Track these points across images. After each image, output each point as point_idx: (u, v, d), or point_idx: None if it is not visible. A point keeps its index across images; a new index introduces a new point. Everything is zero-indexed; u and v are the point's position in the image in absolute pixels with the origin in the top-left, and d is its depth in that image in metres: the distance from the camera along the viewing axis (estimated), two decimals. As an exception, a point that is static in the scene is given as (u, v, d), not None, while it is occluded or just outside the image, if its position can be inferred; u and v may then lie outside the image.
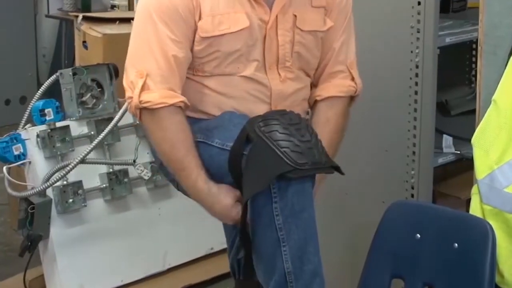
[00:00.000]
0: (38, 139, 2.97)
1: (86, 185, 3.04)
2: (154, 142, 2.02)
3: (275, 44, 2.03)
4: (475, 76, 3.10)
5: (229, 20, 1.98)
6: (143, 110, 1.97)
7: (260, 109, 2.03)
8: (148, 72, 1.95)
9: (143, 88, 1.95)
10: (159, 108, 1.95)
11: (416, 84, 2.53)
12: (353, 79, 2.16)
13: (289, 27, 2.03)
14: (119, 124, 3.03)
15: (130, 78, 1.97)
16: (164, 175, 2.17)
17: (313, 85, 2.18)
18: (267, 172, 1.85)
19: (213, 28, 1.97)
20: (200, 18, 1.97)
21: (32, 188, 2.91)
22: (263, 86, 2.04)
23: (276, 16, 2.01)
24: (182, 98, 1.97)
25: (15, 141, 2.94)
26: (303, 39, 2.05)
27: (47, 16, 4.92)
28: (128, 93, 1.99)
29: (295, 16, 2.03)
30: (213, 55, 2.00)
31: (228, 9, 1.98)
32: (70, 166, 2.89)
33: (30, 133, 2.98)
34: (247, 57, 2.01)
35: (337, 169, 1.95)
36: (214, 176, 2.00)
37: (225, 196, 1.96)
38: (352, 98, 2.19)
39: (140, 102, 1.95)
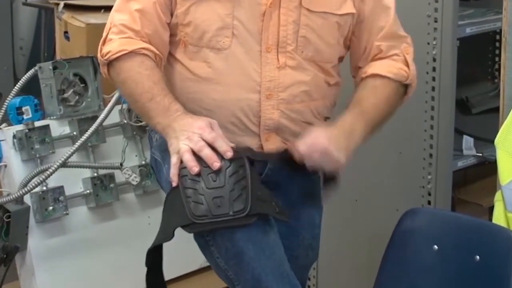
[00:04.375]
0: (15, 140, 2.97)
1: (68, 191, 3.04)
2: (120, 89, 2.08)
3: (276, 23, 2.00)
4: (499, 70, 3.10)
5: None
6: (109, 67, 2.03)
7: (250, 99, 2.02)
8: (112, 23, 2.04)
9: (104, 41, 2.04)
10: (119, 57, 2.00)
11: (434, 79, 2.54)
12: (407, 64, 2.10)
13: (293, 6, 2.01)
14: (104, 124, 3.03)
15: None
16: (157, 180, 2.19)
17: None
18: (170, 222, 1.89)
19: None
20: None
21: (8, 195, 2.91)
22: (253, 70, 2.01)
23: None
24: (146, 45, 2.00)
25: (-11, 142, 2.95)
26: (311, 22, 2.02)
27: (25, 3, 4.92)
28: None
29: None
30: (193, 24, 2.01)
31: None
32: (50, 170, 2.89)
33: (5, 134, 2.98)
34: (234, 30, 2.00)
35: (276, 212, 1.91)
36: None
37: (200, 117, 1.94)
38: (405, 90, 2.12)
39: (101, 56, 2.03)
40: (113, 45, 2.01)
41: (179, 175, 1.86)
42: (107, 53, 2.01)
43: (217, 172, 1.85)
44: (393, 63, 2.10)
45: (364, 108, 2.03)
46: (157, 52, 2.02)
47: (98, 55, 2.05)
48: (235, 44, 2.00)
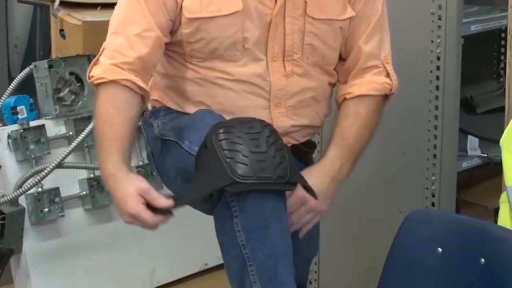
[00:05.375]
0: (10, 140, 2.97)
1: (64, 192, 3.04)
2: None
3: (282, 32, 2.03)
4: (504, 69, 3.10)
5: (220, 1, 1.99)
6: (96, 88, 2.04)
7: (259, 105, 2.06)
8: (106, 46, 2.03)
9: (95, 62, 2.03)
10: (100, 84, 2.00)
11: (437, 78, 2.54)
12: (388, 75, 2.15)
13: (298, 14, 2.03)
14: (101, 124, 3.03)
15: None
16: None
17: (342, 82, 2.18)
18: (209, 183, 1.89)
19: (200, 9, 2.00)
20: None
21: (3, 196, 2.91)
22: (261, 79, 2.05)
23: (285, 1, 2.01)
24: (127, 77, 1.99)
25: (-17, 142, 2.95)
26: (315, 29, 2.05)
27: (20, 1, 4.92)
28: None
29: (306, 2, 2.03)
30: (204, 41, 2.02)
31: None
32: (46, 171, 2.89)
33: (0, 134, 2.98)
34: (245, 44, 2.02)
35: (306, 187, 1.97)
36: (179, 185, 2.06)
37: (129, 183, 1.94)
38: (386, 97, 2.17)
39: (89, 77, 2.03)
40: (98, 69, 2.01)
41: (214, 139, 1.88)
42: (91, 77, 2.01)
43: (258, 139, 1.88)
44: (375, 78, 2.14)
45: (350, 141, 2.09)
46: (141, 85, 2.01)
47: (87, 74, 2.05)
48: (246, 56, 2.03)
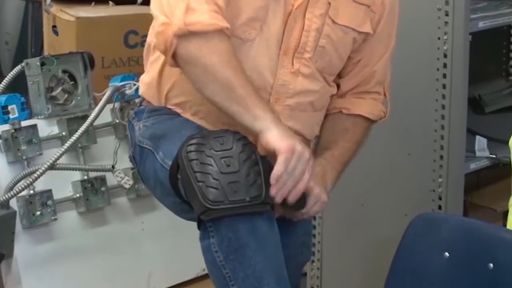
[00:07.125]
0: (0, 140, 2.97)
1: (57, 195, 3.04)
2: (208, 71, 1.93)
3: (299, 27, 2.04)
4: (513, 67, 3.11)
5: None
6: (187, 37, 1.91)
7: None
8: None
9: (187, 10, 1.91)
10: (211, 31, 1.91)
11: (444, 76, 2.54)
12: (385, 102, 2.23)
13: (319, 14, 2.05)
14: (95, 124, 3.03)
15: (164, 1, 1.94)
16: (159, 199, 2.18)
17: (338, 96, 2.21)
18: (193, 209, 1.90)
19: None
20: None
21: (-7, 199, 2.91)
22: (267, 69, 2.04)
23: None
24: (228, 25, 1.94)
25: (-27, 143, 2.95)
26: (332, 33, 2.07)
27: (11, -4, 4.93)
28: (160, 19, 1.93)
29: (330, 3, 2.05)
30: (229, 5, 1.98)
31: None
32: (38, 173, 2.89)
33: (-10, 134, 2.98)
34: (263, 25, 2.01)
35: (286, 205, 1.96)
36: (159, 193, 2.08)
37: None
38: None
39: (185, 24, 1.90)
40: (203, 16, 1.91)
41: (184, 158, 1.87)
42: (196, 22, 1.90)
43: (230, 156, 1.86)
44: (375, 104, 2.22)
45: (335, 152, 2.13)
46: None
47: (177, 22, 1.90)
48: (259, 38, 2.03)
